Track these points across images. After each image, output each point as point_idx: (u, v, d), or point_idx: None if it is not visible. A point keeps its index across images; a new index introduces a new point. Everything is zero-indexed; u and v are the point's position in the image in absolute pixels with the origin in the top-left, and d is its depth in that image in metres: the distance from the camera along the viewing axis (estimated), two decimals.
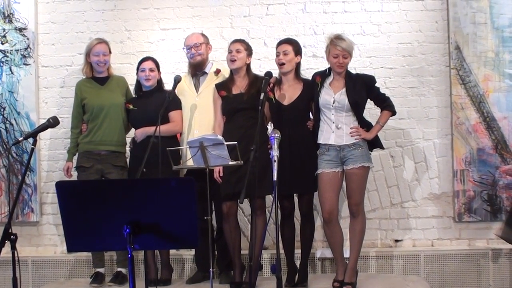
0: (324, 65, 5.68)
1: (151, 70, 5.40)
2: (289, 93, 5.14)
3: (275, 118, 5.18)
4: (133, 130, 5.54)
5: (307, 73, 5.40)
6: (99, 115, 5.45)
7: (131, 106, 5.48)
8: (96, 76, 5.57)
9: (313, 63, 5.89)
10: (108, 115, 5.45)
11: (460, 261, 5.72)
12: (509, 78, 5.80)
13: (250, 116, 5.02)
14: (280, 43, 5.20)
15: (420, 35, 5.95)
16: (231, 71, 5.26)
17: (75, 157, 5.58)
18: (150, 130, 5.16)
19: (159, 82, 5.50)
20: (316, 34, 6.02)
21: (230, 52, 5.21)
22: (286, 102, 5.12)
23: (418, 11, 5.96)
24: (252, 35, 6.03)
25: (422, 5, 5.96)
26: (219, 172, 5.04)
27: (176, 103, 5.39)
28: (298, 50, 5.17)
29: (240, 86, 5.21)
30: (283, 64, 5.10)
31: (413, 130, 5.94)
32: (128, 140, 5.58)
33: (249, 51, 5.25)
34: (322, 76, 5.09)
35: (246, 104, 5.07)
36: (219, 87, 5.25)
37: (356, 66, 5.57)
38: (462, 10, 5.82)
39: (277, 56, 5.14)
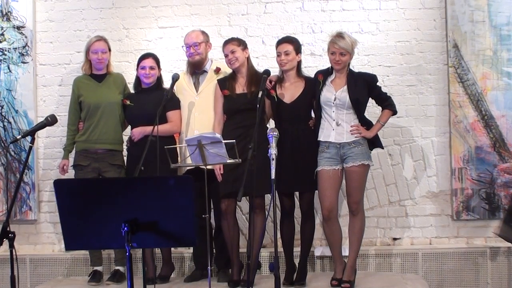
0: (321, 63, 5.73)
1: (151, 68, 5.37)
2: (291, 91, 5.14)
3: (276, 116, 5.18)
4: (129, 127, 5.52)
5: (304, 71, 5.39)
6: (95, 113, 5.42)
7: (128, 102, 5.45)
8: (95, 73, 5.56)
9: (311, 61, 5.89)
10: (104, 113, 5.43)
11: (458, 259, 5.72)
12: (507, 76, 5.80)
13: (252, 116, 4.95)
14: (281, 42, 5.16)
15: (418, 33, 5.95)
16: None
17: (71, 155, 5.57)
18: (147, 129, 5.15)
19: (159, 79, 5.47)
20: (314, 32, 6.02)
21: (226, 56, 5.19)
22: (287, 100, 5.12)
23: (416, 9, 5.96)
24: (250, 33, 6.03)
25: (420, 3, 5.95)
26: (220, 169, 5.04)
27: (174, 103, 5.36)
28: (298, 49, 5.16)
29: (242, 82, 5.20)
30: (285, 64, 5.09)
31: (411, 128, 5.94)
32: (125, 138, 5.57)
33: (243, 45, 5.21)
34: (324, 74, 5.10)
35: (249, 104, 5.04)
36: (222, 84, 5.22)
37: (354, 64, 5.54)
38: (460, 8, 5.82)
39: (278, 56, 5.12)
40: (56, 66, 6.19)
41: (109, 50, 5.57)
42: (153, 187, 3.17)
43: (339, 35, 4.98)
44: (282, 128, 4.91)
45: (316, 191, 5.12)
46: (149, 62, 5.38)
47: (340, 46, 4.93)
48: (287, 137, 4.96)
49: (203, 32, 5.48)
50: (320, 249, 5.75)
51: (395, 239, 5.95)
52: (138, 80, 5.46)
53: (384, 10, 5.99)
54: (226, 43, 5.21)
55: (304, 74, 5.22)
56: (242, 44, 5.21)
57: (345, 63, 5.02)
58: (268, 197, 5.14)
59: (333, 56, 4.97)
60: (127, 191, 3.19)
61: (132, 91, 5.57)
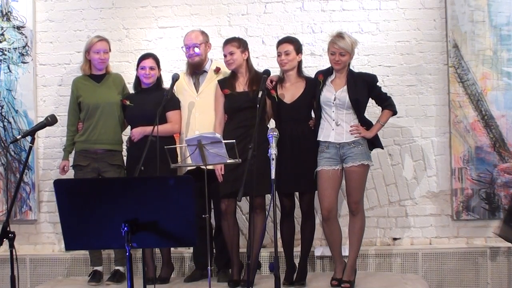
0: (321, 63, 5.72)
1: (151, 68, 5.36)
2: (292, 91, 5.14)
3: (277, 116, 5.18)
4: (129, 128, 5.52)
5: (304, 71, 5.38)
6: (94, 113, 5.42)
7: (128, 102, 5.44)
8: (94, 73, 5.55)
9: (311, 61, 5.89)
10: (103, 113, 5.42)
11: (458, 259, 5.72)
12: (507, 76, 5.80)
13: (253, 115, 4.92)
14: (281, 42, 5.17)
15: (418, 33, 5.95)
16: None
17: (71, 155, 5.56)
18: (147, 130, 5.15)
19: (159, 79, 5.46)
20: (314, 32, 6.02)
21: (225, 56, 5.19)
22: (288, 100, 5.12)
23: (416, 9, 5.96)
24: (250, 33, 6.03)
25: (420, 3, 5.95)
26: (221, 169, 5.03)
27: (174, 103, 5.35)
28: (299, 49, 5.15)
29: (243, 82, 5.20)
30: (285, 64, 5.09)
31: (411, 128, 5.94)
32: (125, 138, 5.57)
33: (243, 47, 5.19)
34: (324, 74, 5.10)
35: (251, 102, 5.02)
36: (222, 84, 5.22)
37: (354, 64, 5.54)
38: (460, 8, 5.82)
39: (279, 56, 5.12)
40: (56, 66, 6.19)
41: (110, 50, 5.57)
42: (153, 187, 3.17)
43: (339, 35, 4.98)
44: (282, 128, 4.90)
45: (316, 191, 5.12)
46: (149, 62, 5.37)
47: (340, 46, 4.93)
48: (287, 137, 4.96)
49: (203, 33, 5.47)
50: (320, 249, 5.75)
51: (395, 239, 5.95)
52: (138, 80, 5.46)
53: (384, 10, 5.99)
54: (226, 43, 5.21)
55: (304, 74, 5.23)
56: (242, 45, 5.20)
57: (345, 63, 5.01)
58: (268, 197, 5.14)
59: (333, 56, 4.97)
60: (127, 191, 3.19)
61: (131, 91, 5.57)
